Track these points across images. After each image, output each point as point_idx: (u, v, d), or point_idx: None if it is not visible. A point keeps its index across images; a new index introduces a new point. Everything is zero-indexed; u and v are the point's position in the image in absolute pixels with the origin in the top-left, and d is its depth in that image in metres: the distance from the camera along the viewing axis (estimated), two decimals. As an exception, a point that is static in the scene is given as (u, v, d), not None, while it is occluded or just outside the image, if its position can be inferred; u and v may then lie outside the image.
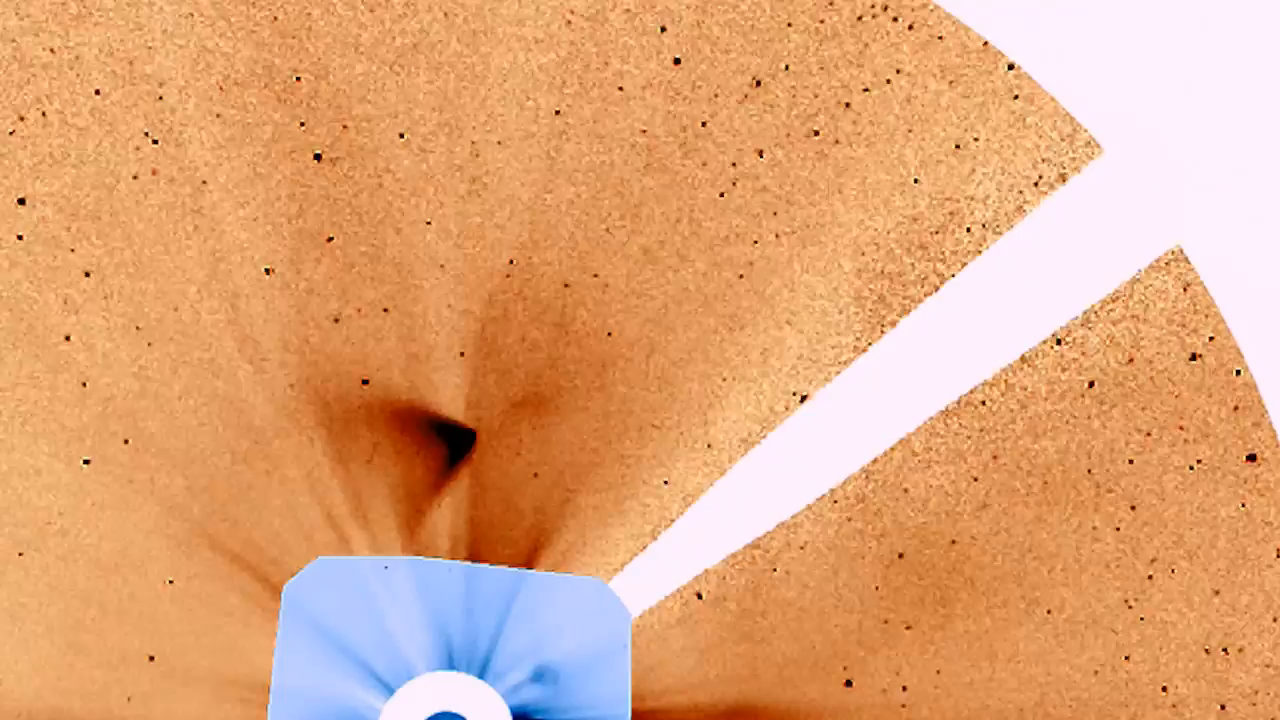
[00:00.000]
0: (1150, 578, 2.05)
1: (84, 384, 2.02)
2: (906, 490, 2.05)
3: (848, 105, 1.98)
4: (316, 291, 2.02)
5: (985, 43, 1.97)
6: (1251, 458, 2.02)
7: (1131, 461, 2.03)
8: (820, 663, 2.06)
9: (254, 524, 2.05)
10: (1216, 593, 2.05)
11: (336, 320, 2.02)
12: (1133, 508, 2.04)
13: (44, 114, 1.96)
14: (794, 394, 2.03)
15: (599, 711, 2.02)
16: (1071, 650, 2.06)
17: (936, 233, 2.00)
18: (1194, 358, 2.01)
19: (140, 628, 2.05)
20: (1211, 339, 2.01)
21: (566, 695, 2.02)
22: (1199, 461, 2.03)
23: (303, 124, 1.98)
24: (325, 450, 2.05)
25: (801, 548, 2.06)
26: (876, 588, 2.06)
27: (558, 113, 1.98)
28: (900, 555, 2.05)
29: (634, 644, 2.06)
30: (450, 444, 2.05)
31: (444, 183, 2.00)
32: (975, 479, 2.04)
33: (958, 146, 1.98)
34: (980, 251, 2.00)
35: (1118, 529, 2.05)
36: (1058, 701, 2.06)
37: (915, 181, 1.99)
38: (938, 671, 2.06)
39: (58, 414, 2.02)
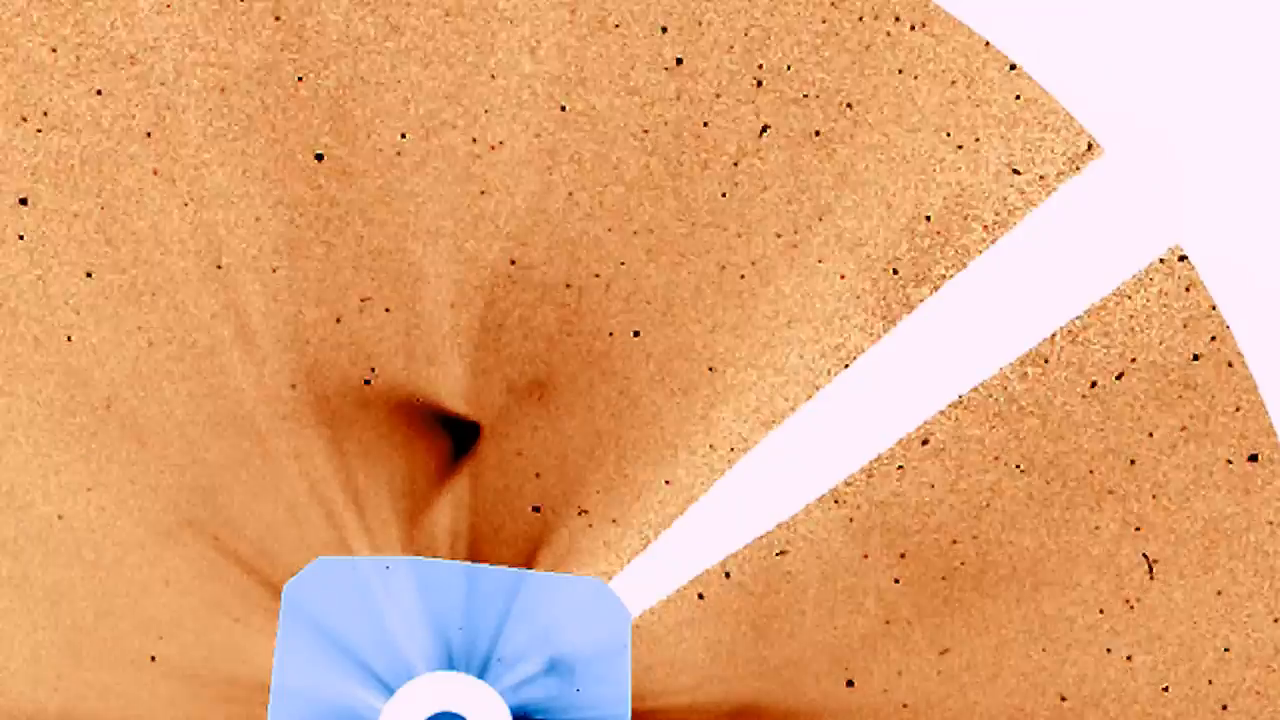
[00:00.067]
0: (1152, 578, 2.05)
1: (85, 384, 2.02)
2: (908, 490, 2.04)
3: (849, 106, 1.98)
4: (318, 292, 2.02)
5: (986, 43, 1.97)
6: (1253, 458, 2.02)
7: (1133, 462, 2.03)
8: (821, 663, 2.06)
9: (254, 524, 2.05)
10: (1218, 593, 2.04)
11: (338, 320, 2.02)
12: (1134, 508, 2.04)
13: (45, 114, 1.96)
14: (795, 394, 2.03)
15: (599, 711, 2.01)
16: (1073, 650, 2.06)
17: (937, 233, 2.00)
18: (1195, 358, 2.01)
19: (140, 628, 2.04)
20: (1212, 339, 2.01)
21: (567, 695, 2.02)
22: (1200, 462, 2.03)
23: (304, 124, 1.98)
24: (326, 450, 2.05)
25: (802, 547, 2.05)
26: (878, 588, 2.06)
27: (559, 111, 1.98)
28: (902, 555, 2.05)
29: (634, 644, 2.05)
30: (451, 443, 2.05)
31: (445, 182, 2.00)
32: (977, 479, 2.04)
33: (959, 147, 1.98)
34: (980, 251, 2.00)
35: (1119, 529, 2.04)
36: (1059, 701, 2.06)
37: (916, 182, 1.99)
38: (939, 672, 2.06)
39: (58, 414, 2.02)
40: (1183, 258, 1.99)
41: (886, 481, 2.04)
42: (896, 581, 2.06)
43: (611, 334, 2.03)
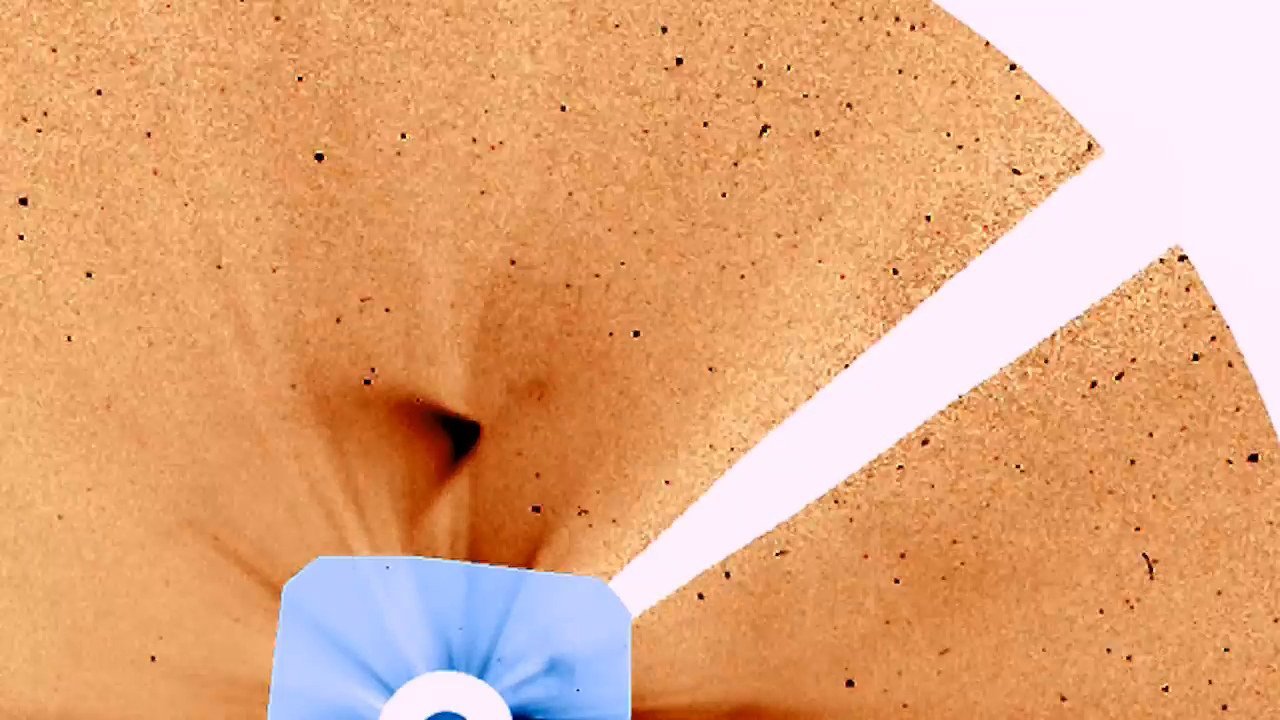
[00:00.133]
0: (1152, 578, 2.05)
1: (85, 384, 2.02)
2: (908, 490, 2.04)
3: (849, 106, 1.98)
4: (318, 292, 2.02)
5: (986, 43, 1.97)
6: (1253, 458, 2.02)
7: (1133, 462, 2.03)
8: (821, 663, 2.06)
9: (254, 524, 2.05)
10: (1218, 593, 2.04)
11: (338, 320, 2.02)
12: (1134, 508, 2.04)
13: (45, 114, 1.96)
14: (795, 394, 2.03)
15: (599, 712, 2.01)
16: (1073, 650, 2.06)
17: (938, 233, 2.00)
18: (1195, 358, 2.01)
19: (140, 628, 2.04)
20: (1213, 339, 2.01)
21: (567, 695, 2.02)
22: (1200, 462, 2.03)
23: (304, 124, 1.98)
24: (326, 450, 2.05)
25: (802, 547, 2.05)
26: (878, 588, 2.06)
27: (559, 111, 1.98)
28: (902, 555, 2.05)
29: (634, 644, 2.05)
30: (451, 443, 2.05)
31: (445, 182, 2.00)
32: (977, 479, 2.04)
33: (959, 147, 1.98)
34: (980, 251, 2.00)
35: (1119, 529, 2.04)
36: (1059, 701, 2.06)
37: (916, 182, 1.99)
38: (939, 672, 2.06)
39: (58, 414, 2.02)
40: (1183, 258, 1.99)
41: (886, 481, 2.04)
42: (896, 581, 2.06)
43: (611, 334, 2.03)
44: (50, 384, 2.01)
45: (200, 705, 2.04)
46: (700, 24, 1.97)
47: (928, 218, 1.99)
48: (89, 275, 2.00)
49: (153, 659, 2.04)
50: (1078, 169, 1.98)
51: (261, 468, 2.04)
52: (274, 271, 2.01)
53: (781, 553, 2.06)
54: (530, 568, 2.06)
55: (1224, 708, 2.05)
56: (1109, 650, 2.06)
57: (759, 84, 1.98)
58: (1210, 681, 2.05)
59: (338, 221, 2.00)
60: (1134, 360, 2.02)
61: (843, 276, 2.01)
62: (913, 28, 1.97)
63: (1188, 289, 2.00)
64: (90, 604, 2.04)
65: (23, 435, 2.02)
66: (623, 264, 2.02)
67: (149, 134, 1.97)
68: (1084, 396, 2.02)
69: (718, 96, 1.99)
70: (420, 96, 1.98)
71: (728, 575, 2.06)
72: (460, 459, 2.05)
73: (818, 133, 1.99)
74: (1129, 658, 2.05)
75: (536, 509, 2.06)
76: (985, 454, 2.04)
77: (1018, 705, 2.06)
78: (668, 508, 2.05)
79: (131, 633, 2.04)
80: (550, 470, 2.06)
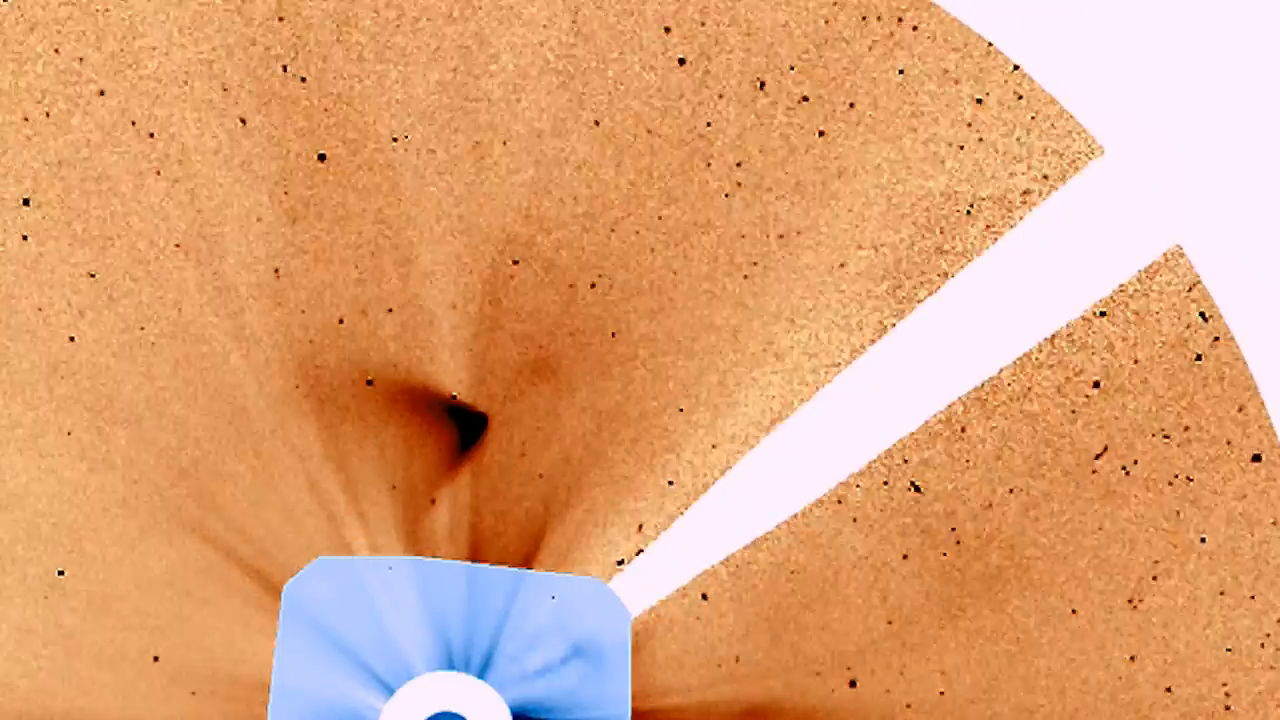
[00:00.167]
0: (1155, 578, 2.04)
1: (86, 384, 2.02)
2: (911, 490, 2.04)
3: (852, 105, 1.99)
4: (320, 293, 2.02)
5: (989, 44, 1.98)
6: (1256, 458, 2.02)
7: (1136, 462, 2.03)
8: (824, 663, 2.05)
9: (254, 524, 2.05)
10: (1221, 593, 2.04)
11: (341, 321, 2.02)
12: (1137, 508, 2.04)
13: (48, 114, 1.97)
14: (798, 393, 2.03)
15: (599, 712, 2.01)
16: (1076, 650, 2.05)
17: (939, 233, 2.00)
18: (1198, 358, 2.01)
19: (140, 628, 2.04)
20: (1215, 340, 2.01)
21: (567, 695, 2.01)
22: (1203, 462, 2.03)
23: (307, 124, 1.98)
24: (327, 451, 2.04)
25: (805, 547, 2.05)
26: (881, 588, 2.05)
27: (560, 112, 1.98)
28: (905, 555, 2.05)
29: (634, 644, 2.05)
30: (451, 443, 2.05)
31: (448, 182, 2.01)
32: (980, 479, 2.04)
33: (960, 147, 1.99)
34: (980, 251, 2.00)
35: (1122, 529, 2.04)
36: (1062, 702, 2.06)
37: (917, 182, 2.00)
38: (942, 672, 2.05)
39: (60, 415, 2.02)
40: (1184, 258, 2.00)
41: (889, 481, 2.04)
42: (899, 582, 2.05)
43: (614, 334, 2.03)
44: (51, 384, 2.02)
45: (200, 705, 2.03)
46: (703, 24, 1.98)
47: (928, 217, 2.00)
48: (92, 276, 2.00)
49: (154, 659, 2.03)
50: (1078, 169, 1.99)
51: (263, 468, 2.04)
52: (276, 272, 2.01)
53: (782, 553, 2.05)
54: (530, 568, 2.05)
55: (1227, 708, 2.04)
56: (1112, 650, 2.05)
57: (761, 84, 1.99)
58: (1215, 682, 2.05)
59: (340, 222, 2.01)
60: (1136, 361, 2.02)
61: (844, 277, 2.01)
62: (914, 28, 1.98)
63: (1189, 289, 2.00)
64: (90, 604, 2.04)
65: (23, 435, 2.02)
66: (625, 264, 2.02)
67: (151, 135, 1.98)
68: (1086, 397, 2.02)
69: (720, 97, 1.99)
70: (421, 96, 1.98)
71: (729, 575, 2.06)
72: (461, 458, 2.05)
73: (822, 133, 1.99)
74: (1132, 658, 2.05)
75: (537, 509, 2.06)
76: (987, 454, 2.03)
77: (1021, 705, 2.05)
78: (668, 508, 2.05)
79: (131, 633, 2.04)
80: (552, 470, 2.06)
